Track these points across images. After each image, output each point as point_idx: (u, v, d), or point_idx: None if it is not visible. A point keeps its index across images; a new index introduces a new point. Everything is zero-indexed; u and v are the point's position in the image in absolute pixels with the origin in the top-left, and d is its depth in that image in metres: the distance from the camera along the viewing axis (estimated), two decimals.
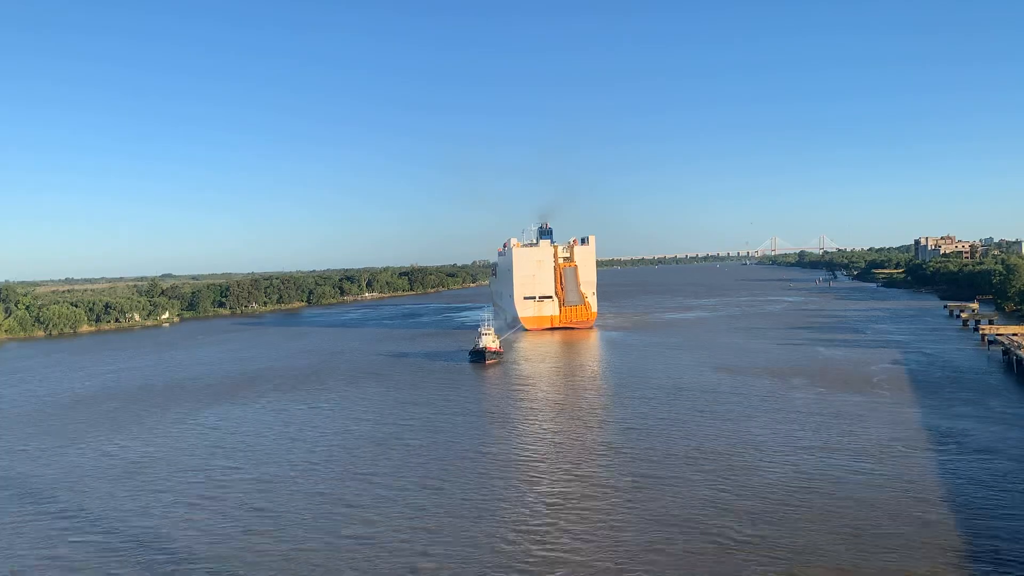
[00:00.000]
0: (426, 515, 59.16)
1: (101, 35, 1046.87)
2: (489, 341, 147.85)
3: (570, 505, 60.08)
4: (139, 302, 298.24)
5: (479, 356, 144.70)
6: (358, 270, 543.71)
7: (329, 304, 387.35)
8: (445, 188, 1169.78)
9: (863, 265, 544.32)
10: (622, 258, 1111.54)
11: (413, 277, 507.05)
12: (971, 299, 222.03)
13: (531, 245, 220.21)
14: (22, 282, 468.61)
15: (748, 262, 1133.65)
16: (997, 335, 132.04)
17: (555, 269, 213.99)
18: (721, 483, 63.69)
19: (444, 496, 63.76)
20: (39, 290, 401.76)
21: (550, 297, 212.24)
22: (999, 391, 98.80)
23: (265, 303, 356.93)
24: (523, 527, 55.76)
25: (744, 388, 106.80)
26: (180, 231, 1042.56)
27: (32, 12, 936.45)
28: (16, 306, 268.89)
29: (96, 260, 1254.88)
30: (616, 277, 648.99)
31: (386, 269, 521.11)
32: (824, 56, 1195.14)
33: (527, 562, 49.65)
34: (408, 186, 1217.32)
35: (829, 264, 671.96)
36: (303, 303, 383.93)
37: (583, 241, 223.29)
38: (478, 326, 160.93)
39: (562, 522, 56.27)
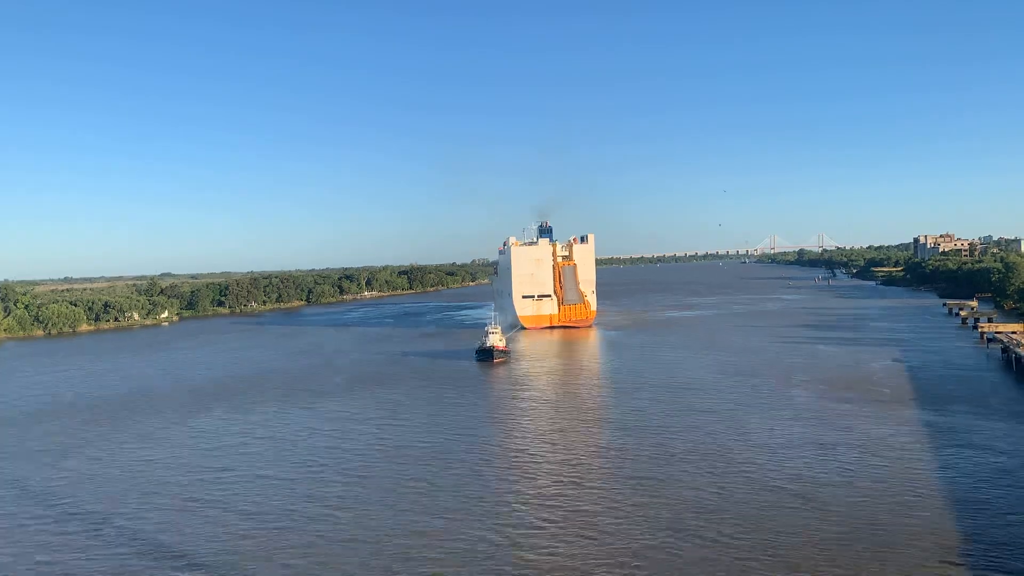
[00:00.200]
0: (434, 517, 59.18)
1: (101, 35, 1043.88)
2: (496, 340, 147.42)
3: (583, 507, 60.11)
4: (138, 301, 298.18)
5: (487, 355, 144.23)
6: (357, 269, 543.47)
7: (328, 303, 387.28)
8: (445, 187, 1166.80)
9: (862, 263, 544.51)
10: (622, 257, 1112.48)
11: (412, 276, 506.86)
12: (970, 297, 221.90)
13: (530, 244, 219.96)
14: (21, 281, 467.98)
15: (747, 260, 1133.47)
16: (996, 333, 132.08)
17: (554, 268, 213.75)
18: (721, 483, 63.67)
19: (464, 499, 63.75)
20: (38, 289, 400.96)
21: (549, 296, 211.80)
22: (998, 389, 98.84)
23: (264, 302, 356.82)
24: (546, 530, 55.75)
25: (744, 386, 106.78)
26: (180, 231, 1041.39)
27: (32, 12, 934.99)
28: (15, 305, 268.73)
29: (95, 259, 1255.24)
30: (616, 276, 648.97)
31: (385, 268, 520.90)
32: (824, 56, 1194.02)
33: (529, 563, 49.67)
34: (408, 185, 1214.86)
35: (828, 262, 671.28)
36: (302, 302, 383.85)
37: (582, 240, 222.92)
38: (484, 325, 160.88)
39: (570, 525, 56.31)
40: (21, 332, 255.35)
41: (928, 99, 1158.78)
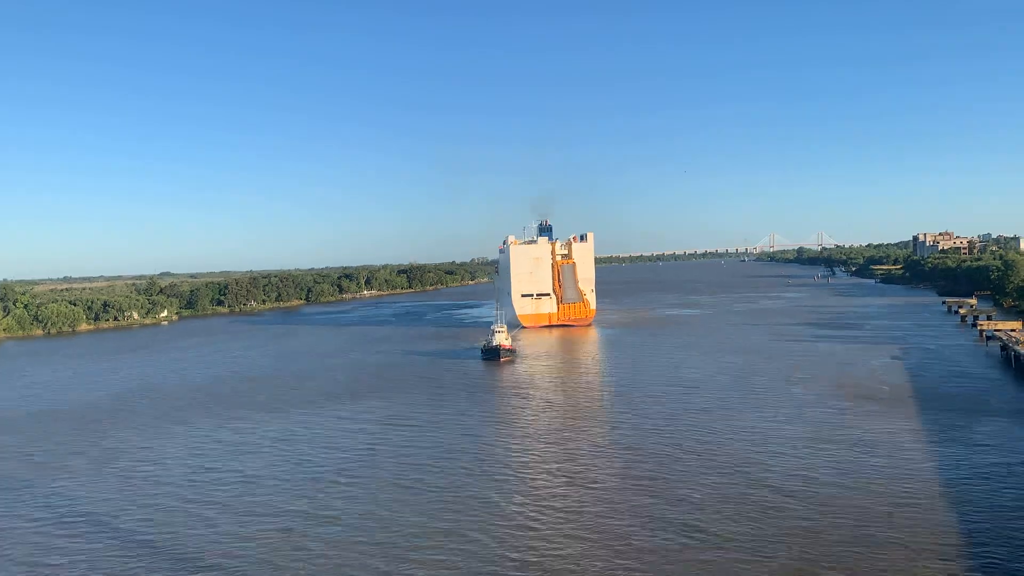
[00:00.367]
0: (435, 517, 59.25)
1: (101, 35, 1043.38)
2: (502, 339, 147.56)
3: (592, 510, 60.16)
4: (137, 300, 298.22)
5: (493, 354, 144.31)
6: (356, 268, 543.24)
7: (328, 302, 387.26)
8: (444, 187, 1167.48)
9: (861, 261, 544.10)
10: (622, 255, 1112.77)
11: (412, 275, 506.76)
12: (969, 295, 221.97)
13: (529, 243, 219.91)
14: (20, 281, 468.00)
15: (746, 259, 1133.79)
16: (995, 331, 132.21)
17: (553, 266, 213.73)
18: (721, 482, 63.78)
19: (464, 500, 63.79)
20: (37, 289, 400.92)
21: (548, 294, 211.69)
22: (997, 386, 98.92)
23: (264, 301, 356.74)
24: (557, 532, 55.81)
25: (744, 384, 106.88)
26: (179, 230, 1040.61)
27: (32, 12, 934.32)
28: (15, 305, 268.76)
29: (95, 259, 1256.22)
30: (616, 274, 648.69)
31: (385, 267, 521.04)
32: (824, 56, 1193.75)
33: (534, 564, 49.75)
34: (407, 185, 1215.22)
35: (828, 260, 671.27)
36: (302, 301, 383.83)
37: (582, 238, 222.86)
38: (485, 324, 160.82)
39: (574, 527, 56.37)
40: (20, 332, 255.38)
41: (927, 98, 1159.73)
